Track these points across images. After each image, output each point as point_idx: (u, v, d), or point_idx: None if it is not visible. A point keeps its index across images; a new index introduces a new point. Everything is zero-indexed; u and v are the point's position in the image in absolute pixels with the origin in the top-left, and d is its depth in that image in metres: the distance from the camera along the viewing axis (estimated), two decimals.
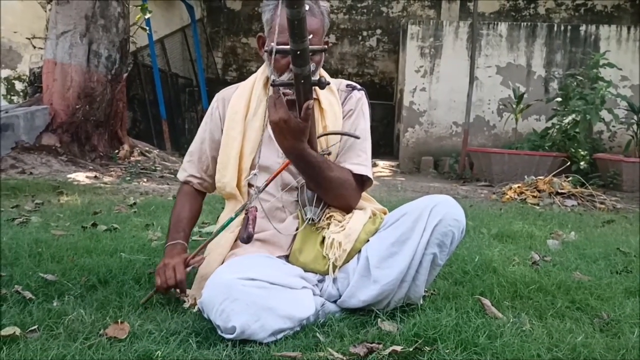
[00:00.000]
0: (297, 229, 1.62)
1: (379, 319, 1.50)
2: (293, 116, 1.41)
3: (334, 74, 10.08)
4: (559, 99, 6.97)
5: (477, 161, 7.04)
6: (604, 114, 6.53)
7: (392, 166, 8.34)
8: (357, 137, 1.63)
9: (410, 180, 6.70)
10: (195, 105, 10.25)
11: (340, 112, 1.69)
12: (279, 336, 1.39)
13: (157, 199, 3.98)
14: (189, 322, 1.48)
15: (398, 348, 1.31)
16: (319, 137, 1.61)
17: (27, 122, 5.42)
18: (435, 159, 8.16)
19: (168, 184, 5.06)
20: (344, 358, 1.29)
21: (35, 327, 1.40)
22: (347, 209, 1.66)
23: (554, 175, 5.10)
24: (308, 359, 1.29)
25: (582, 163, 6.49)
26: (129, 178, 5.16)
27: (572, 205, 4.52)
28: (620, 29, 8.16)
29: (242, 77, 10.43)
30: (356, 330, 1.47)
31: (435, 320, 1.44)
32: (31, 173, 4.84)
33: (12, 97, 7.70)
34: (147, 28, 6.99)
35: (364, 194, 1.74)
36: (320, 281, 1.60)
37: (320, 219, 1.62)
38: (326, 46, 1.56)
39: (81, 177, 4.89)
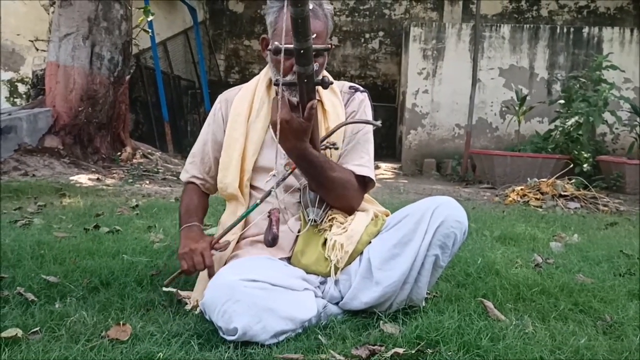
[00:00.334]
0: (299, 231, 1.62)
1: (381, 321, 1.50)
2: (296, 116, 1.41)
3: (337, 76, 10.07)
4: (562, 101, 6.95)
5: (479, 163, 7.03)
6: (606, 116, 6.50)
7: (395, 168, 8.33)
8: (378, 125, 1.63)
9: (413, 183, 6.70)
10: (197, 107, 10.26)
11: (343, 113, 1.69)
12: (280, 338, 1.39)
13: (159, 201, 3.99)
14: (190, 324, 1.49)
15: (400, 350, 1.30)
16: (337, 128, 1.61)
17: (29, 125, 5.43)
18: (437, 161, 8.15)
19: (170, 186, 5.06)
20: None
21: (37, 328, 1.41)
22: (349, 210, 1.66)
23: (556, 178, 5.09)
24: None
25: (585, 165, 6.47)
26: (131, 180, 5.17)
27: (575, 208, 4.51)
28: (623, 31, 8.14)
29: (244, 79, 10.43)
30: (358, 332, 1.47)
31: (438, 323, 1.44)
32: (34, 175, 4.85)
33: (15, 100, 7.72)
34: (150, 30, 7.00)
35: (366, 195, 1.74)
36: (322, 283, 1.60)
37: (322, 221, 1.62)
38: (329, 46, 1.56)
39: (83, 179, 4.90)
